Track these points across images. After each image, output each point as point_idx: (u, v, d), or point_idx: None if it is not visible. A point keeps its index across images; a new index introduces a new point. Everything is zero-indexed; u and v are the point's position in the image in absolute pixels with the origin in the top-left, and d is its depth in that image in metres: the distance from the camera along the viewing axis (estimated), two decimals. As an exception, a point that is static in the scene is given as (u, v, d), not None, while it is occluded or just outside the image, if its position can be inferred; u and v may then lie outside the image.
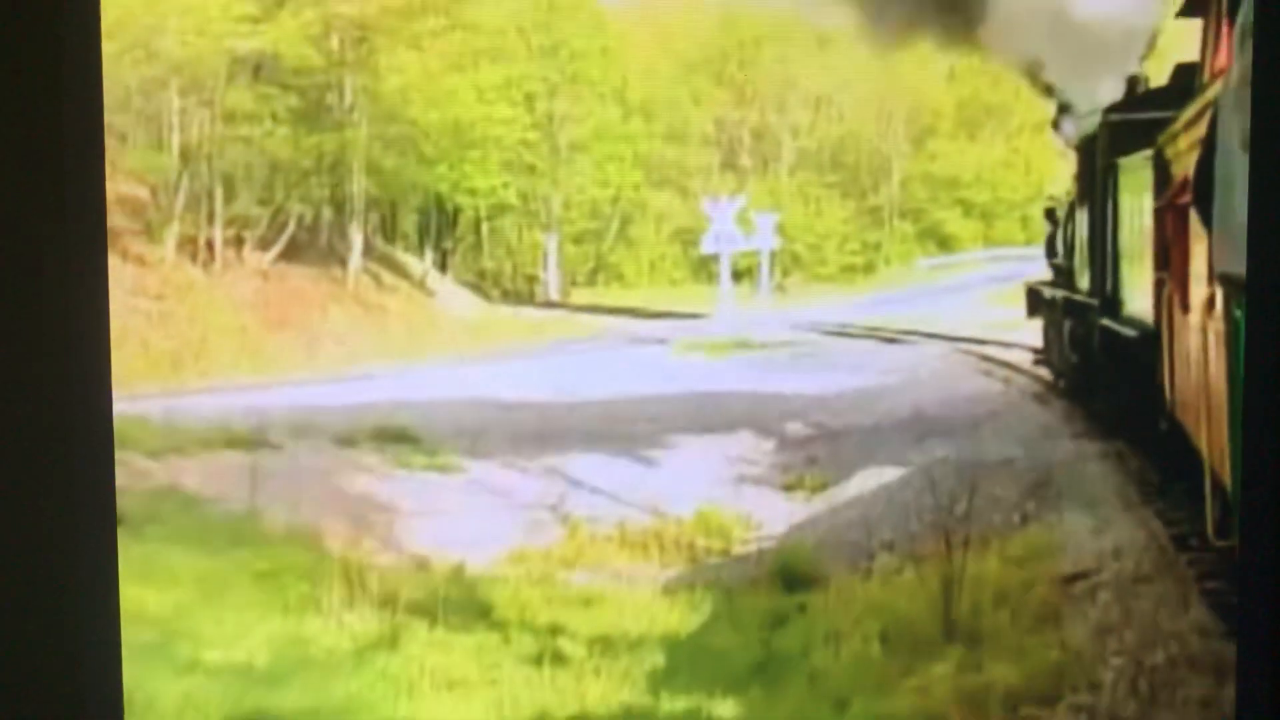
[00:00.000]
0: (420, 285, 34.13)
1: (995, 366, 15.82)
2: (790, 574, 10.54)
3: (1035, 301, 18.21)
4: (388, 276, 32.77)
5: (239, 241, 26.65)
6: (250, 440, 10.01)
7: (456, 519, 11.56)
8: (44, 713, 3.39)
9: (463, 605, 10.14)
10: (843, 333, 20.10)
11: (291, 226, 27.86)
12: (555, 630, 9.96)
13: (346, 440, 11.34)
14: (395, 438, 12.19)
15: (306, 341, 24.59)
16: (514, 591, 10.48)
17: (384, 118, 31.64)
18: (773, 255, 23.35)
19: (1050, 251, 17.94)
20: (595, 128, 29.34)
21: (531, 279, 34.38)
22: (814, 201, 24.38)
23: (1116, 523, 11.17)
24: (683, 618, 10.33)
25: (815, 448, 13.20)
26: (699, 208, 24.28)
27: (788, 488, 12.29)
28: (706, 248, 19.71)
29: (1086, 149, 15.56)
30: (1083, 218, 16.09)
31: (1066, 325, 16.56)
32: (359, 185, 31.35)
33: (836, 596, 10.22)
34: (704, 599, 10.52)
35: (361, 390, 15.49)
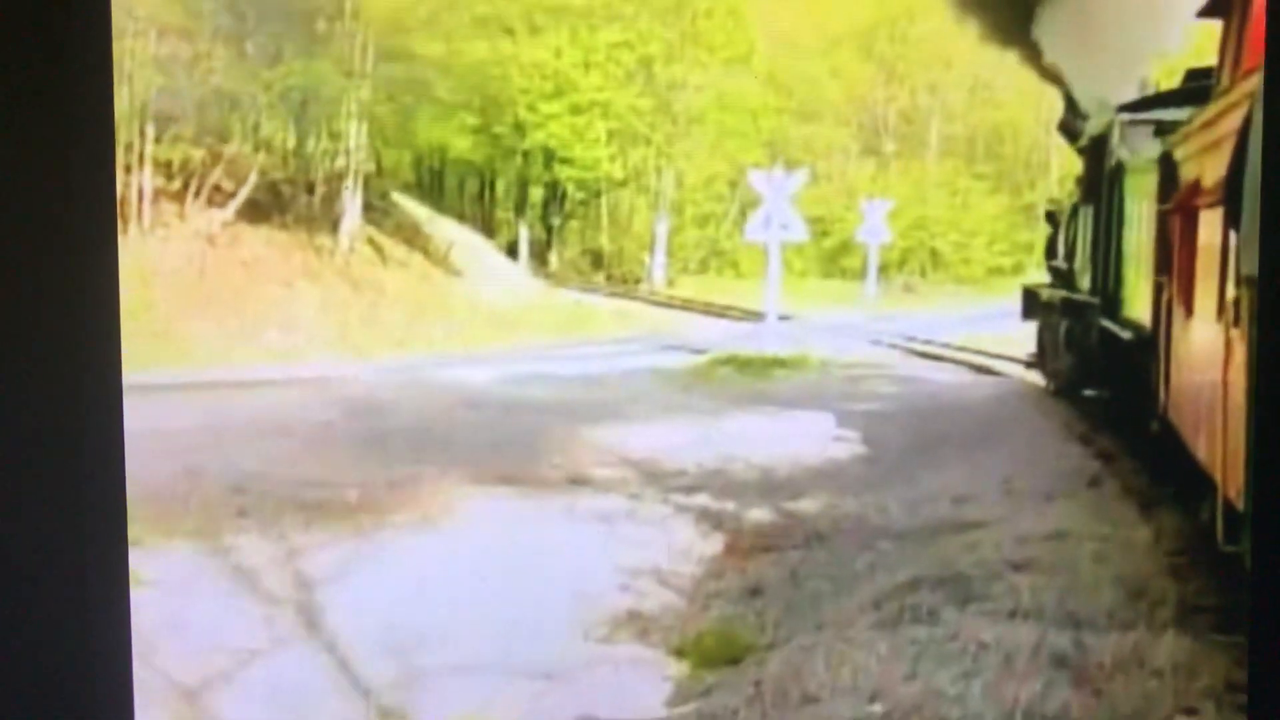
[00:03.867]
0: (443, 261, 29.94)
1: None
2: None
3: (1031, 304, 20.02)
4: (398, 249, 28.66)
5: (180, 195, 22.10)
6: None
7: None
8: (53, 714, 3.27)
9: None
10: (931, 353, 21.92)
11: (254, 179, 24.54)
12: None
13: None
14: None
15: (240, 329, 20.85)
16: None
17: (400, 54, 29.19)
18: (906, 251, 30.04)
19: (1050, 254, 19.91)
20: (717, 98, 32.76)
21: (636, 263, 34.20)
22: (961, 194, 28.17)
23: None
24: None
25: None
26: (828, 193, 30.19)
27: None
28: (753, 234, 25.54)
29: (1094, 150, 16.83)
30: (1086, 218, 17.07)
31: (1063, 325, 17.50)
32: (356, 133, 26.79)
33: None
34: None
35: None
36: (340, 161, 27.70)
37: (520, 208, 54.32)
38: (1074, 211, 18.77)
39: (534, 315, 32.66)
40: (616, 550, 11.42)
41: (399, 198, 34.22)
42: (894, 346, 23.89)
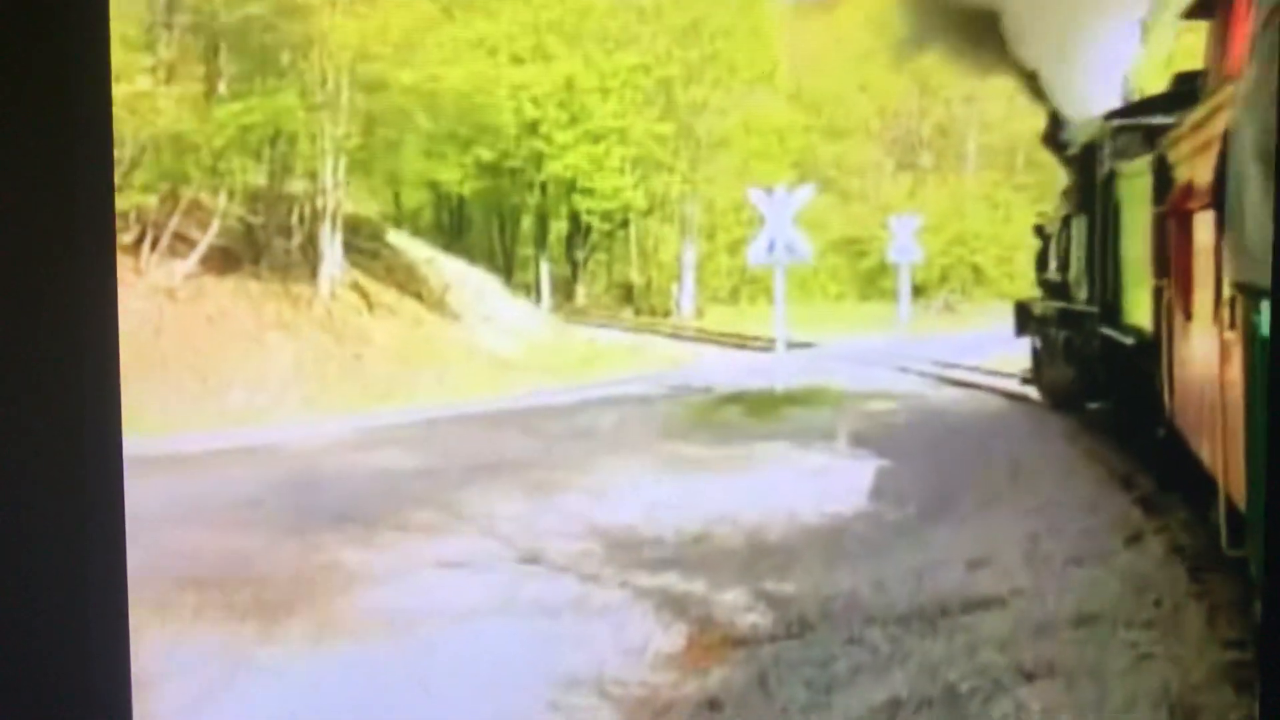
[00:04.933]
0: (438, 305, 29.11)
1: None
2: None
3: (1024, 319, 20.54)
4: (387, 294, 27.59)
5: (134, 248, 20.52)
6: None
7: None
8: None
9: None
10: (960, 380, 21.10)
11: (216, 225, 23.12)
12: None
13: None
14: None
15: (201, 392, 19.32)
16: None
17: (373, 83, 27.21)
18: (946, 269, 31.30)
19: (1041, 267, 20.28)
20: (743, 120, 34.25)
21: (665, 294, 34.73)
22: (1002, 207, 29.25)
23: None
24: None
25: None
26: (863, 212, 31.73)
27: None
28: (756, 258, 23.93)
29: (1085, 158, 16.93)
30: (1080, 228, 17.05)
31: (1060, 338, 17.85)
32: (330, 171, 25.97)
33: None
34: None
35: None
36: (319, 202, 25.93)
37: (541, 242, 52.73)
38: (1065, 223, 18.90)
39: (540, 357, 30.92)
40: (555, 653, 9.49)
41: (396, 238, 32.51)
42: (922, 374, 22.79)
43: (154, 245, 22.21)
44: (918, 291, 33.91)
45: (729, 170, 41.42)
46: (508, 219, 54.12)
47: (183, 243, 22.91)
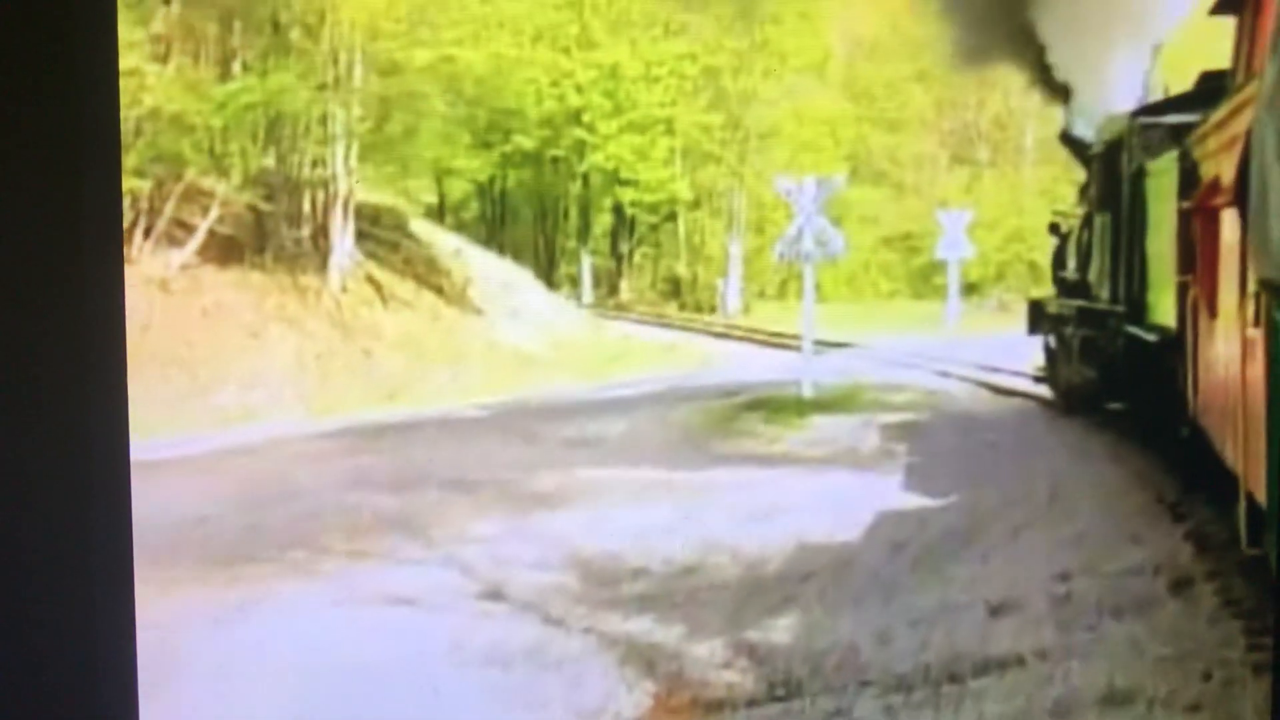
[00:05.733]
0: (459, 299, 27.90)
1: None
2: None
3: (1038, 317, 20.54)
4: (403, 286, 26.27)
5: (127, 235, 18.83)
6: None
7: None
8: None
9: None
10: (1001, 386, 19.78)
11: (215, 211, 21.95)
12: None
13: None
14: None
15: (189, 389, 18.21)
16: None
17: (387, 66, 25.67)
18: (1002, 265, 30.78)
19: (1058, 265, 20.24)
20: (793, 110, 34.02)
21: (710, 289, 33.62)
22: (1060, 202, 23.91)
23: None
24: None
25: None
26: (917, 206, 31.88)
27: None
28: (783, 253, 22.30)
29: (1108, 156, 17.48)
30: (1104, 227, 17.35)
31: (1078, 337, 18.09)
32: (342, 154, 24.89)
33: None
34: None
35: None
36: (331, 189, 24.49)
37: (583, 235, 51.37)
38: (1086, 221, 18.90)
39: (567, 354, 29.44)
40: (499, 713, 8.06)
41: (421, 229, 30.98)
42: (963, 379, 21.65)
43: (147, 233, 20.91)
44: (971, 289, 32.70)
45: (778, 162, 40.05)
46: (550, 210, 52.79)
47: (182, 230, 21.59)
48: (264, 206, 23.69)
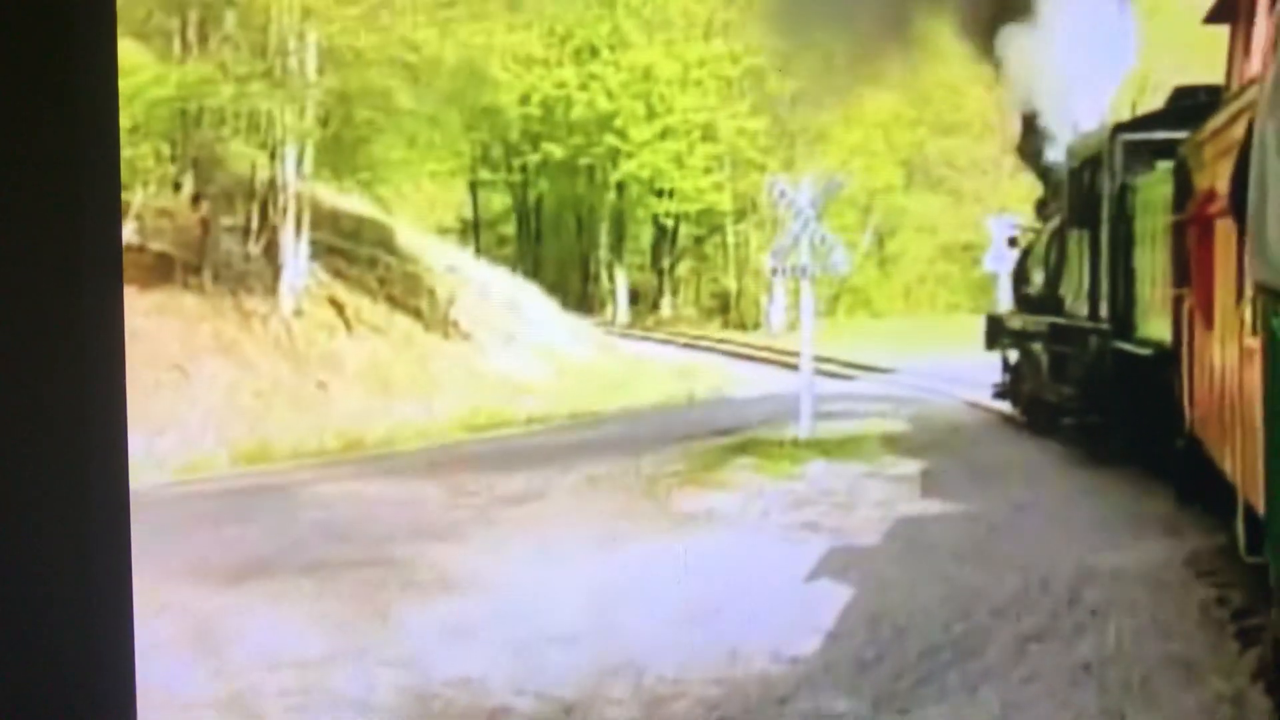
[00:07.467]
0: (440, 323, 24.39)
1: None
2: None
3: (996, 332, 21.88)
4: (373, 309, 22.93)
5: None
6: None
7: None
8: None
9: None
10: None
11: (131, 224, 19.02)
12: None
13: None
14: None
15: None
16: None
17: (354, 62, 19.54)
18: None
19: (1019, 281, 21.64)
20: (843, 113, 30.62)
21: (754, 305, 36.53)
22: None
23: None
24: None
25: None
26: (976, 214, 27.57)
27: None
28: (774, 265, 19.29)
29: (1084, 172, 17.40)
30: (1081, 242, 17.41)
31: (1048, 354, 18.31)
32: (292, 161, 21.58)
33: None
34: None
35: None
36: (280, 199, 21.43)
37: (617, 249, 48.32)
38: (1056, 236, 18.94)
39: (567, 382, 26.24)
40: None
41: (409, 242, 27.67)
42: (987, 413, 21.26)
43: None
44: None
45: (827, 169, 37.03)
46: (585, 224, 49.83)
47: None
48: (196, 216, 20.68)
